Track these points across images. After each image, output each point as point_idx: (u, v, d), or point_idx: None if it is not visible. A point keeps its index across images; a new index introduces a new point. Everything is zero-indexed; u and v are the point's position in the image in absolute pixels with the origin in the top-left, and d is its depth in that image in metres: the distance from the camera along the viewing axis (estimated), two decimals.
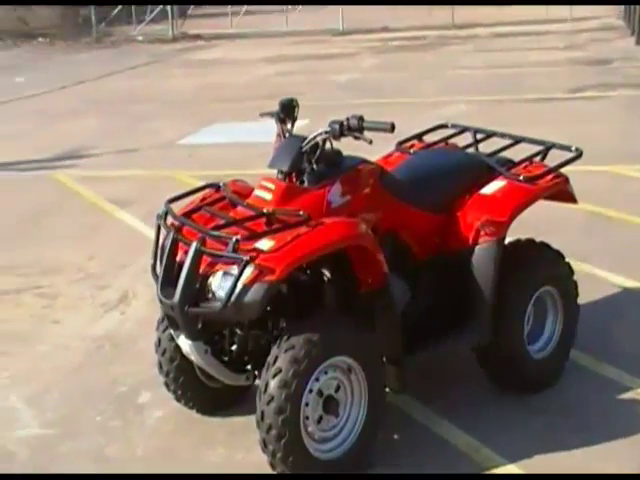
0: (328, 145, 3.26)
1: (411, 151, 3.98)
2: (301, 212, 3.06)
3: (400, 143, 4.07)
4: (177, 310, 3.02)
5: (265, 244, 2.96)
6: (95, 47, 18.85)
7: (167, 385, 3.56)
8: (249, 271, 2.90)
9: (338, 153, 3.31)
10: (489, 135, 4.00)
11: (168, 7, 19.21)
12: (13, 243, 6.04)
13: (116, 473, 3.29)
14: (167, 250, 3.16)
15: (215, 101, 11.21)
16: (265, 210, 3.12)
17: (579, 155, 3.75)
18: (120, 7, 20.56)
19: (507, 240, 3.78)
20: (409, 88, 11.29)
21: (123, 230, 6.15)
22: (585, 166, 6.94)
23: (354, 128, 3.17)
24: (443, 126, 4.19)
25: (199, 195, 3.45)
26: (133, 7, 20.34)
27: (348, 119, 3.19)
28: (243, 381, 3.28)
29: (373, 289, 3.19)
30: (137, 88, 12.87)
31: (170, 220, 3.27)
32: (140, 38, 19.42)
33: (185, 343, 3.14)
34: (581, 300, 4.44)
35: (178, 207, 3.34)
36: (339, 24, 18.25)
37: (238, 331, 3.28)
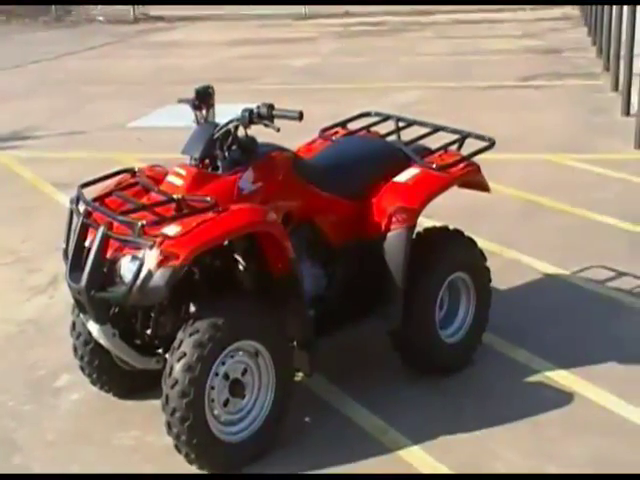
0: (243, 132, 3.30)
1: (333, 138, 4.02)
2: (208, 198, 3.09)
3: (323, 130, 4.11)
4: (84, 294, 3.04)
5: (171, 229, 2.99)
6: (54, 26, 18.65)
7: (82, 369, 3.58)
8: (153, 256, 2.92)
9: (252, 141, 3.34)
10: (410, 124, 4.05)
11: None
12: None
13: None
14: (76, 234, 3.17)
15: (171, 84, 11.12)
16: (175, 196, 3.15)
17: (491, 145, 3.83)
18: None
19: (428, 226, 3.87)
20: (366, 73, 11.31)
21: (60, 213, 6.05)
22: (526, 154, 7.16)
23: (264, 116, 3.19)
24: (367, 114, 4.23)
25: (114, 180, 3.47)
26: None
27: (259, 107, 3.22)
28: (154, 364, 3.31)
29: (282, 275, 3.23)
30: (93, 69, 12.77)
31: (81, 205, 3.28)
32: (101, 18, 19.23)
33: (93, 327, 3.16)
34: (503, 285, 4.59)
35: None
36: (302, 8, 18.21)
37: (151, 315, 3.32)
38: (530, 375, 3.75)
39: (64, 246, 3.33)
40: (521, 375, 3.75)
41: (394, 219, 3.50)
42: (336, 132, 4.11)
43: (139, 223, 2.97)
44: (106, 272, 3.06)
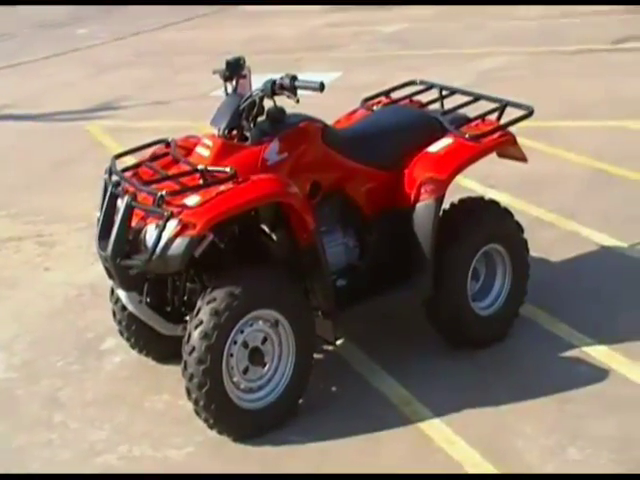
0: (272, 103, 3.33)
1: (374, 108, 3.99)
2: (228, 169, 3.13)
3: (366, 100, 4.08)
4: (110, 262, 3.16)
5: (190, 200, 3.06)
6: None
7: (121, 333, 3.74)
8: (172, 225, 3.01)
9: (281, 111, 3.36)
10: (453, 92, 3.97)
11: None
12: (29, 191, 6.30)
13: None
14: (105, 204, 3.29)
15: (259, 53, 11.21)
16: (199, 166, 3.21)
17: (530, 113, 3.71)
18: None
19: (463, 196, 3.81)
20: (455, 39, 11.06)
21: None
22: (605, 121, 6.85)
23: (286, 87, 3.21)
24: (411, 83, 4.17)
25: (150, 150, 3.57)
26: None
27: (282, 78, 3.23)
28: (180, 331, 3.40)
29: (305, 245, 3.26)
30: (187, 40, 13.01)
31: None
32: None
33: (122, 293, 3.29)
34: (555, 257, 4.48)
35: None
36: None
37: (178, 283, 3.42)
38: (567, 350, 3.65)
39: (97, 215, 3.45)
40: (557, 350, 3.66)
41: (423, 189, 3.46)
42: (379, 101, 4.08)
43: (159, 193, 3.05)
44: (131, 240, 3.16)
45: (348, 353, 3.75)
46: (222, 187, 3.08)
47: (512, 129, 3.73)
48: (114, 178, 3.33)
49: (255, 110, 3.29)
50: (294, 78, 3.21)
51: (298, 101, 3.19)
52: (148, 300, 3.38)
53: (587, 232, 4.79)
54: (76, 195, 6.09)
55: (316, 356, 3.71)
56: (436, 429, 3.22)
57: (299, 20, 14.13)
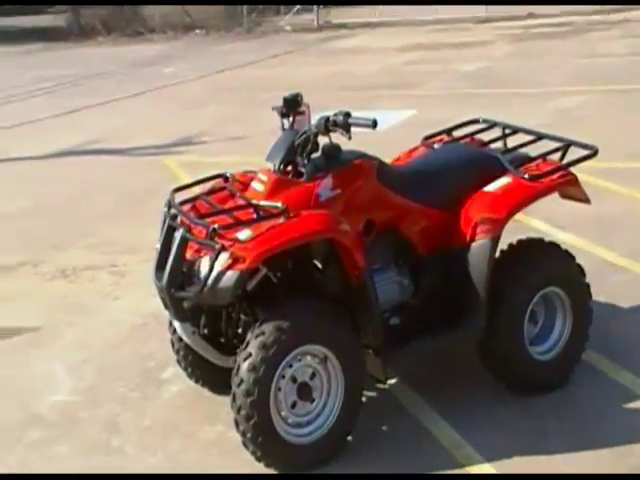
0: (327, 140, 3.37)
1: (435, 146, 3.99)
2: (279, 204, 3.17)
3: (427, 138, 4.08)
4: (165, 292, 3.24)
5: (242, 234, 3.11)
6: (245, 37, 19.52)
7: (179, 362, 3.80)
8: (223, 258, 3.06)
9: (336, 147, 3.39)
10: (515, 131, 3.93)
11: None
12: (108, 223, 6.52)
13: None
14: (162, 236, 3.38)
15: (338, 89, 11.39)
16: (253, 201, 3.26)
17: (594, 153, 3.63)
18: None
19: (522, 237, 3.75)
20: (536, 77, 10.96)
21: None
22: None
23: (339, 123, 3.24)
24: (474, 121, 4.15)
25: (208, 185, 3.65)
26: None
27: (336, 114, 3.27)
28: (232, 363, 3.42)
29: (355, 282, 3.26)
30: (271, 76, 13.27)
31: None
32: (288, 28, 19.90)
33: (176, 324, 3.36)
34: (625, 303, 4.34)
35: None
36: (483, 10, 17.91)
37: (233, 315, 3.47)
38: (629, 401, 3.52)
39: (157, 246, 3.54)
40: (619, 400, 3.53)
41: (479, 229, 3.42)
42: (440, 139, 4.07)
43: (212, 227, 3.11)
44: (186, 272, 3.23)
45: (401, 393, 3.71)
46: (273, 222, 3.12)
47: (577, 169, 3.66)
48: (172, 211, 3.42)
49: (309, 146, 3.33)
50: (347, 115, 3.24)
51: (350, 138, 3.21)
52: (205, 331, 3.45)
53: None
54: (148, 227, 6.25)
55: (368, 394, 3.71)
56: (487, 474, 3.15)
57: (379, 57, 14.27)
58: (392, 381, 3.79)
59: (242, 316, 3.44)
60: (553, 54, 12.80)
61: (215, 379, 3.78)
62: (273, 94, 12.65)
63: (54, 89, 13.72)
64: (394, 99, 10.27)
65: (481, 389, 3.69)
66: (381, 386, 3.72)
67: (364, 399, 3.62)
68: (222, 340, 3.51)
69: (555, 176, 3.52)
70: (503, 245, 3.63)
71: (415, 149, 4.03)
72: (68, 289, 5.29)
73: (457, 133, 4.10)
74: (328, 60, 14.62)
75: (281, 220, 3.12)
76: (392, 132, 7.90)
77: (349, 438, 3.33)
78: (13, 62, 18.16)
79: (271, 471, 3.22)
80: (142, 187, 7.45)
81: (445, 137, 4.08)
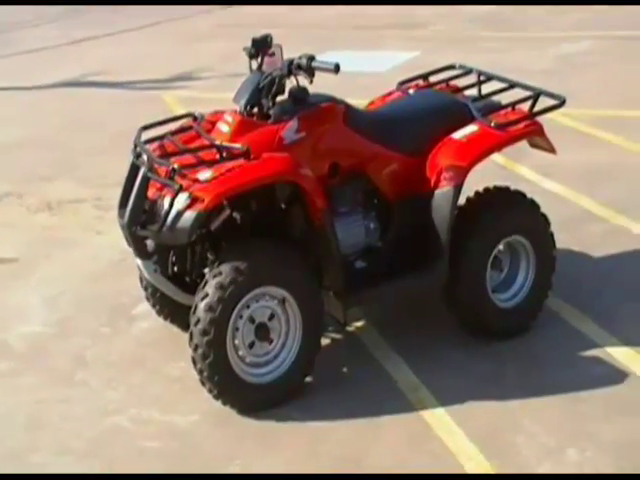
0: (295, 82, 3.34)
1: (409, 91, 3.94)
2: (239, 145, 3.16)
3: (402, 83, 4.04)
4: (126, 230, 3.26)
5: (203, 174, 3.12)
6: None
7: (147, 299, 3.85)
8: (182, 198, 3.07)
9: (304, 90, 3.37)
10: (490, 78, 3.87)
11: None
12: (97, 156, 6.51)
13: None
14: (127, 174, 3.39)
15: (349, 28, 11.21)
16: (217, 142, 3.26)
17: (562, 103, 3.59)
18: None
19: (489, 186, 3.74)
20: (546, 21, 10.72)
21: None
22: None
23: (302, 67, 3.22)
24: (450, 67, 4.10)
25: (178, 123, 3.64)
26: None
27: (300, 57, 3.24)
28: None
29: (317, 225, 3.26)
30: (276, 14, 13.01)
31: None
32: None
33: (138, 261, 3.39)
34: (597, 252, 4.34)
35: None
36: None
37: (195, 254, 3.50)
38: (589, 348, 3.54)
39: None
40: (579, 347, 3.56)
41: (442, 176, 3.41)
42: (416, 85, 4.03)
43: (172, 166, 3.12)
44: (148, 211, 3.25)
45: (367, 337, 3.75)
46: (234, 163, 3.11)
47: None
48: (137, 149, 3.42)
49: (274, 88, 3.31)
50: (311, 58, 3.22)
51: (311, 82, 3.19)
52: (175, 269, 3.47)
53: (637, 228, 4.60)
54: None
55: (335, 337, 3.76)
56: (438, 418, 3.19)
57: None
58: (360, 324, 3.84)
59: (209, 255, 3.47)
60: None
61: (183, 317, 3.78)
62: (282, 30, 12.34)
63: (58, 18, 13.59)
64: (395, 39, 10.09)
65: (446, 334, 3.72)
66: (348, 329, 3.77)
67: (329, 341, 3.69)
68: (187, 279, 3.54)
69: (521, 125, 3.49)
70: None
71: (389, 94, 4.00)
72: (51, 221, 5.34)
73: (434, 79, 4.06)
74: None
75: (242, 162, 3.12)
76: (392, 74, 7.80)
77: (309, 380, 3.39)
78: None
79: (230, 409, 3.27)
80: (137, 122, 7.37)
81: (421, 82, 4.03)
